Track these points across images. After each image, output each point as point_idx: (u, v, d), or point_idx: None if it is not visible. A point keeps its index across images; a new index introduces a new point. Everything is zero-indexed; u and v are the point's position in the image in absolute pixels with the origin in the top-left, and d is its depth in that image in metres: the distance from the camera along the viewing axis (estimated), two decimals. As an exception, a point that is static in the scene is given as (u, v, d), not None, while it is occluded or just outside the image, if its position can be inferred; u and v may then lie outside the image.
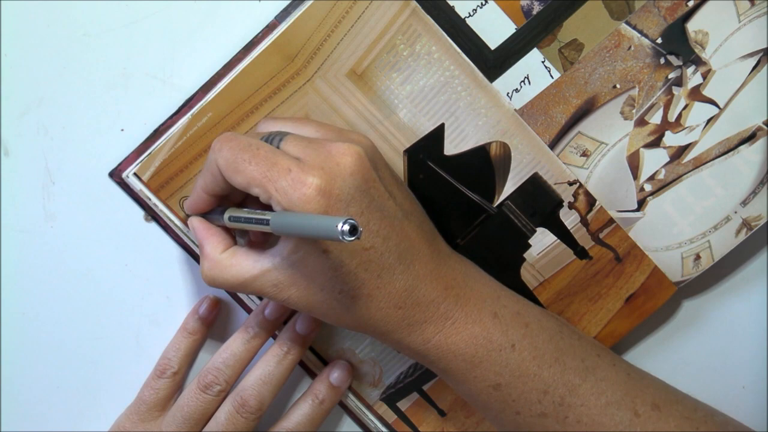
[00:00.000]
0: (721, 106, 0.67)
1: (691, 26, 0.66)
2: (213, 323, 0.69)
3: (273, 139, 0.60)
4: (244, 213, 0.61)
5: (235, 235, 0.64)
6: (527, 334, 0.62)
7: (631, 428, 0.62)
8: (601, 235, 0.69)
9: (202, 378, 0.66)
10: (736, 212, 0.68)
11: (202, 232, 0.63)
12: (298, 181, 0.56)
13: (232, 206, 0.63)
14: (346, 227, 0.51)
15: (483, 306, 0.62)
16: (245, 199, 0.63)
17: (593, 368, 0.63)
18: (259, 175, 0.57)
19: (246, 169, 0.58)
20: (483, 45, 0.66)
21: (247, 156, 0.58)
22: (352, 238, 0.51)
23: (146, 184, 0.67)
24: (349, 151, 0.58)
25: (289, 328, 0.67)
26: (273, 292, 0.60)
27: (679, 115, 0.68)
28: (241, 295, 0.70)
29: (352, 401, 0.71)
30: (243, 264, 0.61)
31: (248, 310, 0.70)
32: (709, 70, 0.67)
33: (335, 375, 0.68)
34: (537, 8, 0.66)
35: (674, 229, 0.69)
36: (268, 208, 0.59)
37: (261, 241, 0.64)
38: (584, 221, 0.69)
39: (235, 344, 0.67)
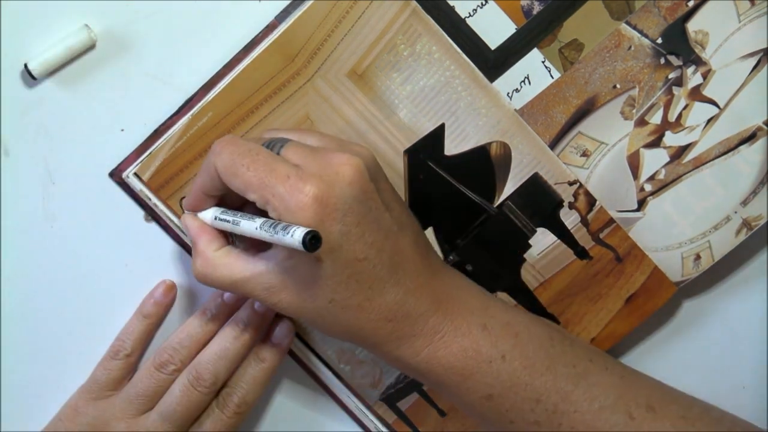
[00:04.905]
0: (721, 106, 0.67)
1: (691, 26, 0.66)
2: (169, 307, 0.69)
3: (274, 145, 0.60)
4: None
5: (232, 238, 0.64)
6: (517, 344, 0.62)
7: (627, 430, 0.62)
8: (601, 235, 0.69)
9: (157, 357, 0.66)
10: (736, 212, 0.68)
11: (196, 229, 0.63)
12: (296, 189, 0.57)
13: (226, 207, 0.63)
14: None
15: (472, 318, 0.62)
16: (246, 201, 0.64)
17: (585, 373, 0.63)
18: (256, 181, 0.58)
19: (244, 174, 0.58)
20: (483, 45, 0.66)
21: (245, 161, 0.58)
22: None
23: (146, 184, 0.67)
24: (349, 162, 0.58)
25: (248, 306, 0.67)
26: (264, 295, 0.60)
27: (679, 115, 0.68)
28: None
29: (352, 401, 0.71)
30: (236, 264, 0.61)
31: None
32: (709, 70, 0.67)
33: (275, 332, 0.68)
34: (537, 8, 0.66)
35: (674, 229, 0.69)
36: (264, 213, 0.59)
37: (256, 245, 0.64)
38: (584, 221, 0.69)
39: (192, 326, 0.67)
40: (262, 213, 0.60)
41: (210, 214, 0.63)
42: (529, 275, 0.70)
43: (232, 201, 0.63)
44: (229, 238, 0.64)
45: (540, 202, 0.69)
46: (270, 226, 0.57)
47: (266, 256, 0.60)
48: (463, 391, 0.62)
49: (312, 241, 0.54)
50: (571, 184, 0.68)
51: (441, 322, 0.61)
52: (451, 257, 0.69)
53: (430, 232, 0.68)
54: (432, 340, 0.61)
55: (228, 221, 0.61)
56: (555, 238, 0.69)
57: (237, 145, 0.59)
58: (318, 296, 0.59)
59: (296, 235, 0.54)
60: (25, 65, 0.65)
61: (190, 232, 0.63)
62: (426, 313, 0.61)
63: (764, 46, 0.66)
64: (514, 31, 0.66)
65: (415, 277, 0.61)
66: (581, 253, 0.69)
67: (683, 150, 0.68)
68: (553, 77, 0.67)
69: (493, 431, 0.64)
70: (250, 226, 0.59)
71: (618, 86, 0.67)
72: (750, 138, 0.68)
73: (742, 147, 0.68)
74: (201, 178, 0.62)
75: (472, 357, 0.61)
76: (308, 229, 0.54)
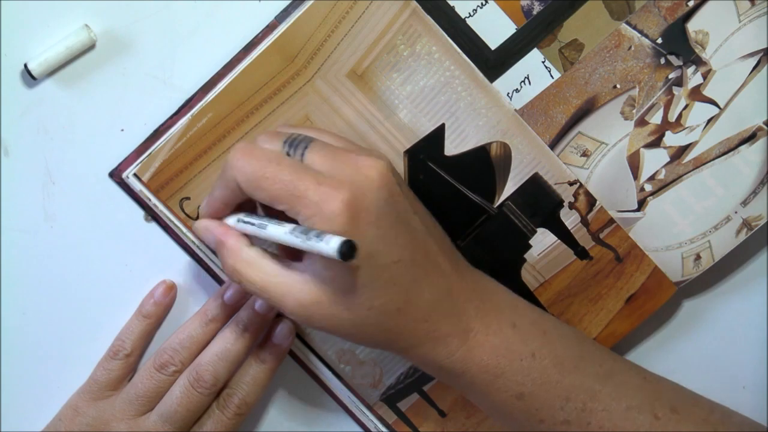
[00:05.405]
0: (722, 106, 0.67)
1: (692, 26, 0.66)
2: (169, 307, 0.69)
3: (298, 145, 0.59)
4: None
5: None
6: (546, 342, 0.62)
7: (652, 431, 0.62)
8: (601, 235, 0.69)
9: (157, 358, 0.66)
10: (736, 212, 0.68)
11: (219, 228, 0.61)
12: (328, 196, 0.55)
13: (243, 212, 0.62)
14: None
15: (502, 317, 0.62)
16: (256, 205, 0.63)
17: (611, 373, 0.63)
18: (284, 193, 0.56)
19: (269, 187, 0.57)
20: (483, 45, 0.66)
21: (268, 172, 0.57)
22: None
23: (146, 185, 0.67)
24: (375, 165, 0.57)
25: (249, 306, 0.66)
26: (298, 311, 0.58)
27: (680, 115, 0.68)
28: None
29: (352, 401, 0.71)
30: (269, 268, 0.59)
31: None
32: (710, 70, 0.67)
33: (276, 333, 0.68)
34: (537, 8, 0.66)
35: (674, 229, 0.69)
36: (287, 217, 0.58)
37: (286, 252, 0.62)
38: (585, 221, 0.69)
39: (193, 326, 0.67)
40: (279, 215, 0.59)
41: (233, 218, 0.61)
42: (529, 275, 0.70)
43: (248, 205, 0.62)
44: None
45: (540, 202, 0.69)
46: (301, 233, 0.55)
47: (302, 266, 0.58)
48: (494, 391, 0.62)
49: (349, 250, 0.52)
50: (571, 184, 0.68)
51: (473, 321, 0.61)
52: (451, 257, 0.69)
53: (430, 232, 0.68)
54: (466, 339, 0.61)
55: (253, 224, 0.59)
56: (555, 238, 0.69)
57: (255, 156, 0.58)
58: (355, 306, 0.58)
59: (332, 244, 0.52)
60: (25, 65, 0.65)
61: (214, 232, 0.61)
62: (459, 313, 0.61)
63: (764, 46, 0.66)
64: (514, 31, 0.66)
65: (446, 277, 0.61)
66: (581, 253, 0.69)
67: (683, 150, 0.68)
68: (553, 77, 0.67)
69: None
70: (278, 230, 0.57)
71: (618, 86, 0.67)
72: (750, 138, 0.68)
73: (742, 147, 0.68)
74: (220, 191, 0.60)
75: (504, 355, 0.61)
76: (344, 238, 0.52)
